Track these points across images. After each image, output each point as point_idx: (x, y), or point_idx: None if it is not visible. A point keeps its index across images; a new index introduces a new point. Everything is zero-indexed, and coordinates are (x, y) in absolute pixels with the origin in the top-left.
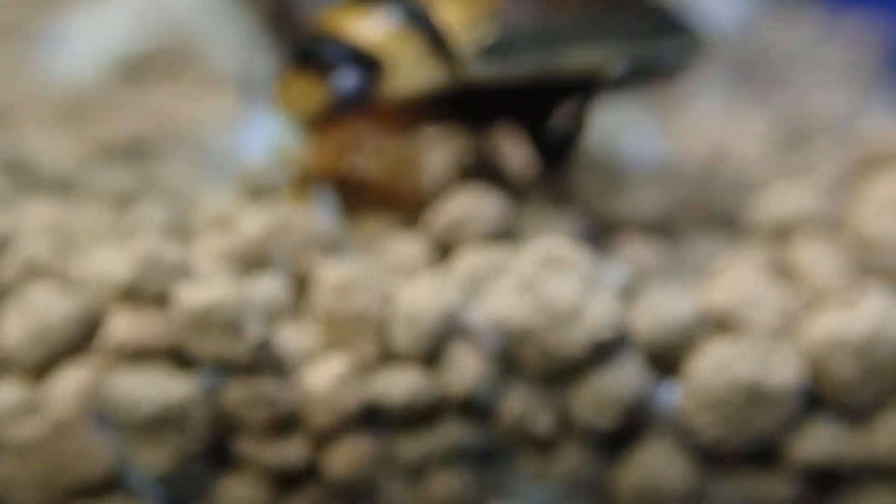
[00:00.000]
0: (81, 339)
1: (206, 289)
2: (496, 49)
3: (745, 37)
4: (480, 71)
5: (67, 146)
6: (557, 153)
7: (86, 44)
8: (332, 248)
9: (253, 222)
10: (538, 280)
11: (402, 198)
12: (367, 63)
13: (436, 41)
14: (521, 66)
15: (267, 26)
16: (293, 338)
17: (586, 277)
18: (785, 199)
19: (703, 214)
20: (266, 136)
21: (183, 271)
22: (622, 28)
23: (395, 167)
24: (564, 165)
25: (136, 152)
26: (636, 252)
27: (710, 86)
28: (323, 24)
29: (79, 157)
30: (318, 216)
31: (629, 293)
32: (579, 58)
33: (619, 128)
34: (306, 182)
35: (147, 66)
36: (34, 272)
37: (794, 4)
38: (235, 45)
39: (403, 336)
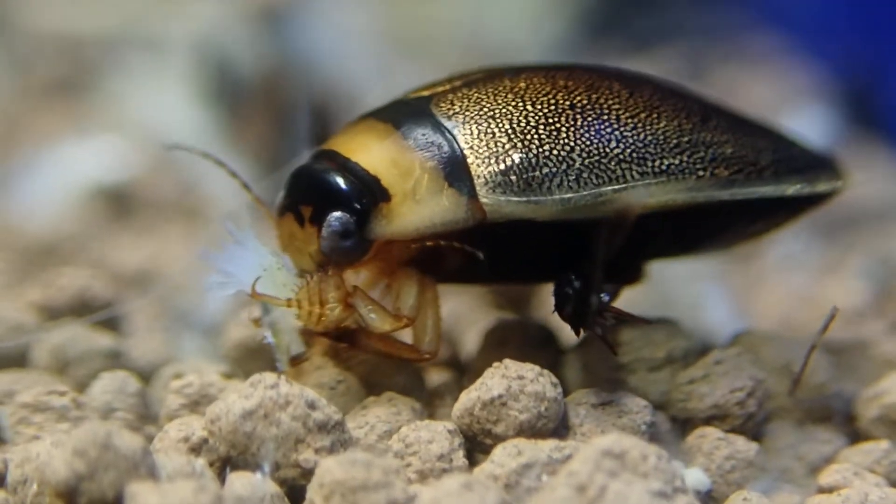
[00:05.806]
0: None
1: (170, 491)
2: (522, 182)
3: None
4: (500, 208)
5: (13, 305)
6: (581, 313)
7: (57, 178)
8: (330, 434)
9: (233, 403)
10: (597, 484)
11: (411, 362)
12: (367, 199)
13: (451, 171)
14: (552, 205)
15: (266, 151)
16: None
17: (662, 482)
18: None
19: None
20: (252, 278)
21: (140, 467)
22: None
23: (399, 325)
24: (590, 328)
25: (90, 307)
26: (716, 451)
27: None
28: (332, 146)
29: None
30: (312, 393)
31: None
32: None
33: (697, 298)
34: (303, 344)
35: (126, 200)
36: None
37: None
38: (226, 175)
39: None
